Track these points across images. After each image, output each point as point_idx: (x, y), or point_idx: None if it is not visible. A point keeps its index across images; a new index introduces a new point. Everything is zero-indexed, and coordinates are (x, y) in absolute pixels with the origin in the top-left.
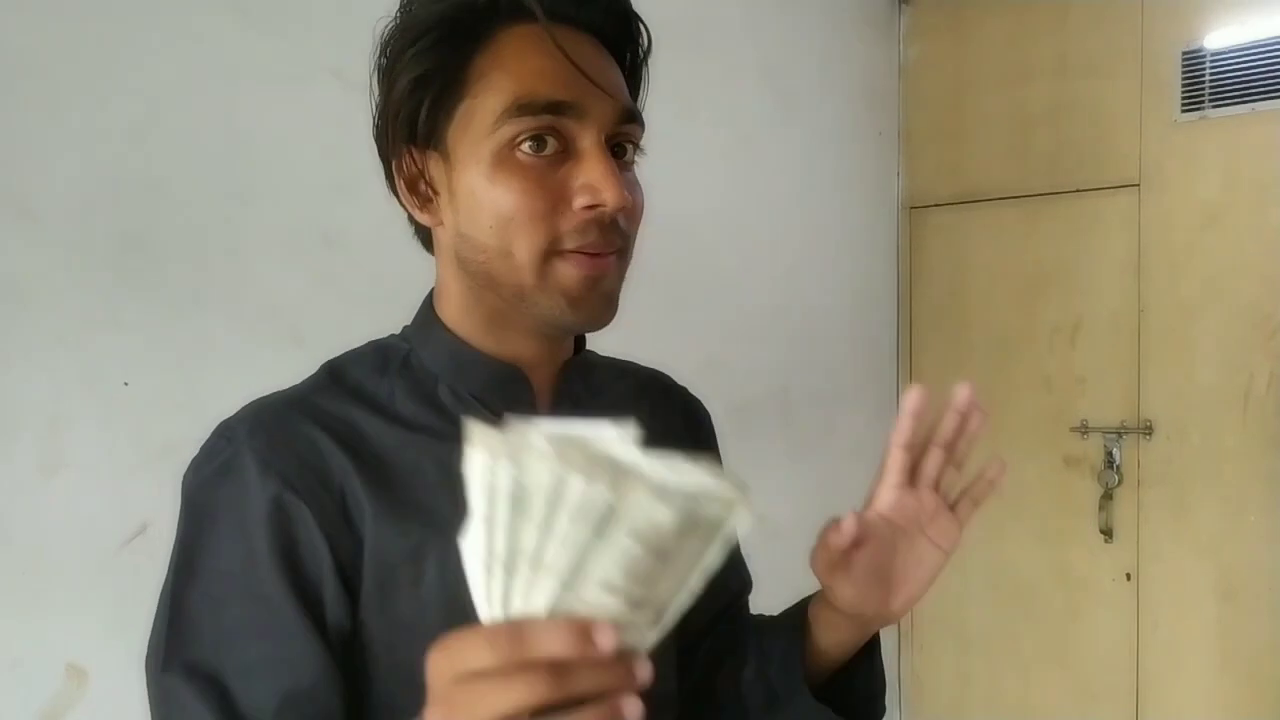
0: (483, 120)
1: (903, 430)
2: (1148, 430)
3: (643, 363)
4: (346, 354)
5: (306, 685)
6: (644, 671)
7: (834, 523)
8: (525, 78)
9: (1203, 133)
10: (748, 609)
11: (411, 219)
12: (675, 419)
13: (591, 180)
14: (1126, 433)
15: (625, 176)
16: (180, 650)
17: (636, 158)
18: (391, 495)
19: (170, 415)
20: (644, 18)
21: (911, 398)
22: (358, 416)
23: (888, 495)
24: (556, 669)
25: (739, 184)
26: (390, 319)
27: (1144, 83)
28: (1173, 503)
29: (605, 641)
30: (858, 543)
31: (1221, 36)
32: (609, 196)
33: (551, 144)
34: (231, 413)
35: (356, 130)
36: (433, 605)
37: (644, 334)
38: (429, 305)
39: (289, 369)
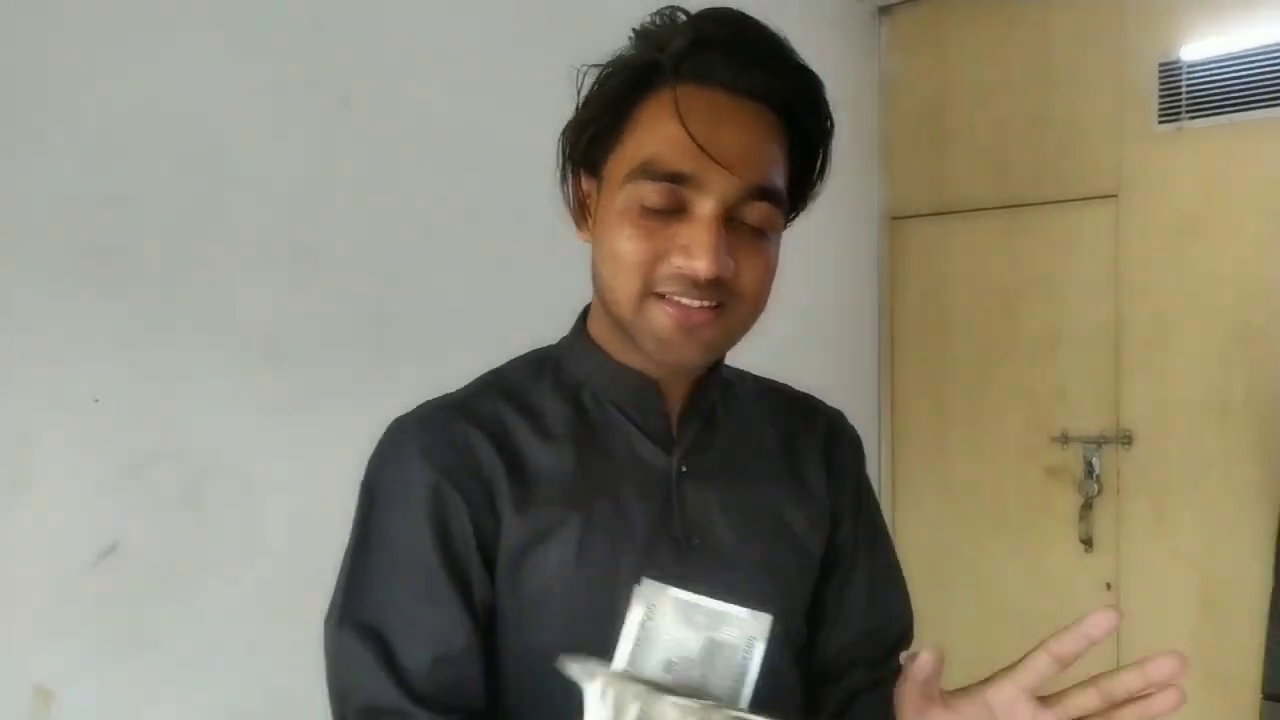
0: (623, 169)
1: (1066, 640)
2: (1127, 440)
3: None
4: (511, 361)
5: (456, 650)
6: None
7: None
8: (656, 143)
9: (1180, 144)
10: (897, 656)
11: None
12: (817, 437)
13: (689, 244)
14: (1106, 442)
15: (742, 244)
16: (354, 611)
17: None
18: (528, 488)
19: (140, 432)
20: (624, 22)
21: (1102, 620)
22: (509, 418)
23: (1005, 687)
24: None
25: None
26: (365, 331)
27: (1123, 94)
28: (1152, 512)
29: None
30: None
31: (1198, 49)
32: (700, 265)
33: (673, 207)
34: (208, 426)
35: (330, 142)
36: (555, 586)
37: None
38: (582, 318)
39: (261, 384)
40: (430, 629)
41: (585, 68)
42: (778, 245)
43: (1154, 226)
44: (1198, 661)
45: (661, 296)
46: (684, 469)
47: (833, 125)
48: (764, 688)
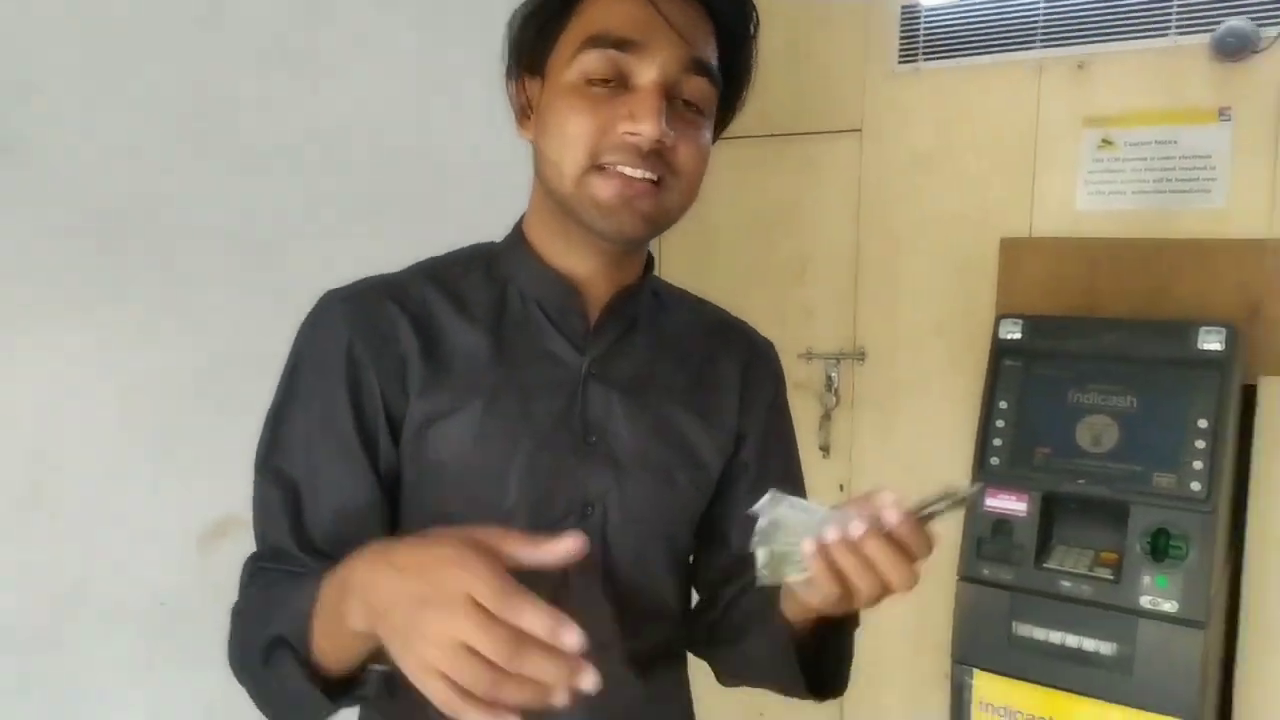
0: (566, 51)
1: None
2: (861, 356)
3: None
4: (452, 251)
5: (357, 506)
6: (589, 681)
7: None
8: (608, 15)
9: (916, 84)
10: None
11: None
12: (737, 361)
13: (633, 109)
14: (844, 358)
15: (680, 121)
16: (272, 460)
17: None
18: (441, 368)
19: None
20: None
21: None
22: (434, 301)
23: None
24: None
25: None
26: (81, 231)
27: (869, 34)
28: (881, 421)
29: (569, 640)
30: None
31: None
32: (645, 127)
33: (615, 81)
34: None
35: (34, 23)
36: (452, 462)
37: None
38: (520, 221)
39: None
40: (336, 485)
41: None
42: (710, 131)
43: (891, 161)
44: None
45: (603, 169)
46: (592, 371)
47: (758, 27)
48: (633, 577)
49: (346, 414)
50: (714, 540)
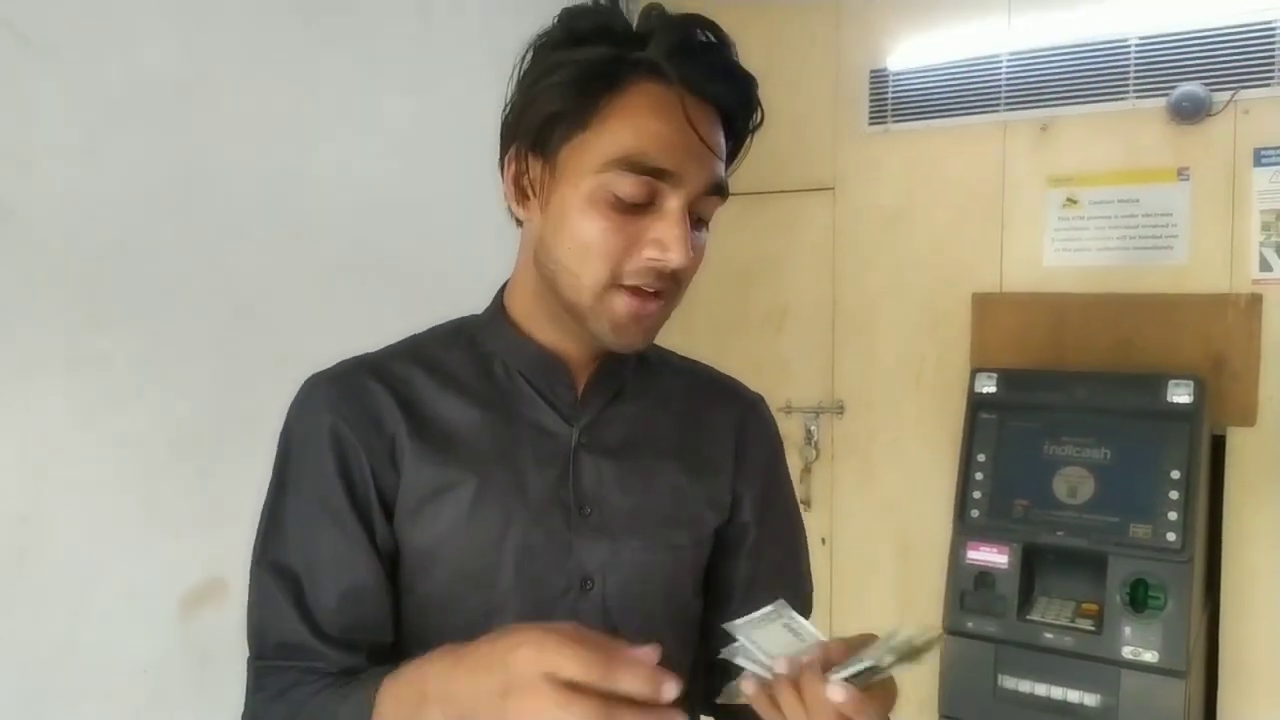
0: (593, 158)
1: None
2: (840, 409)
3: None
4: (432, 328)
5: (361, 585)
6: None
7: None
8: (642, 137)
9: (886, 144)
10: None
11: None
12: (731, 420)
13: (663, 238)
14: (823, 411)
15: (695, 236)
16: (269, 551)
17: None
18: (430, 446)
19: None
20: None
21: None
22: (419, 380)
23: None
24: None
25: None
26: (66, 292)
27: (839, 97)
28: (861, 472)
29: (668, 693)
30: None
31: (902, 59)
32: (674, 257)
33: (647, 197)
34: None
35: (19, 89)
36: (445, 540)
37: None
38: (501, 291)
39: None
40: (338, 567)
41: (529, 49)
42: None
43: (864, 218)
44: (894, 601)
45: (623, 288)
46: (583, 441)
47: (762, 123)
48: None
49: (340, 495)
50: (714, 602)
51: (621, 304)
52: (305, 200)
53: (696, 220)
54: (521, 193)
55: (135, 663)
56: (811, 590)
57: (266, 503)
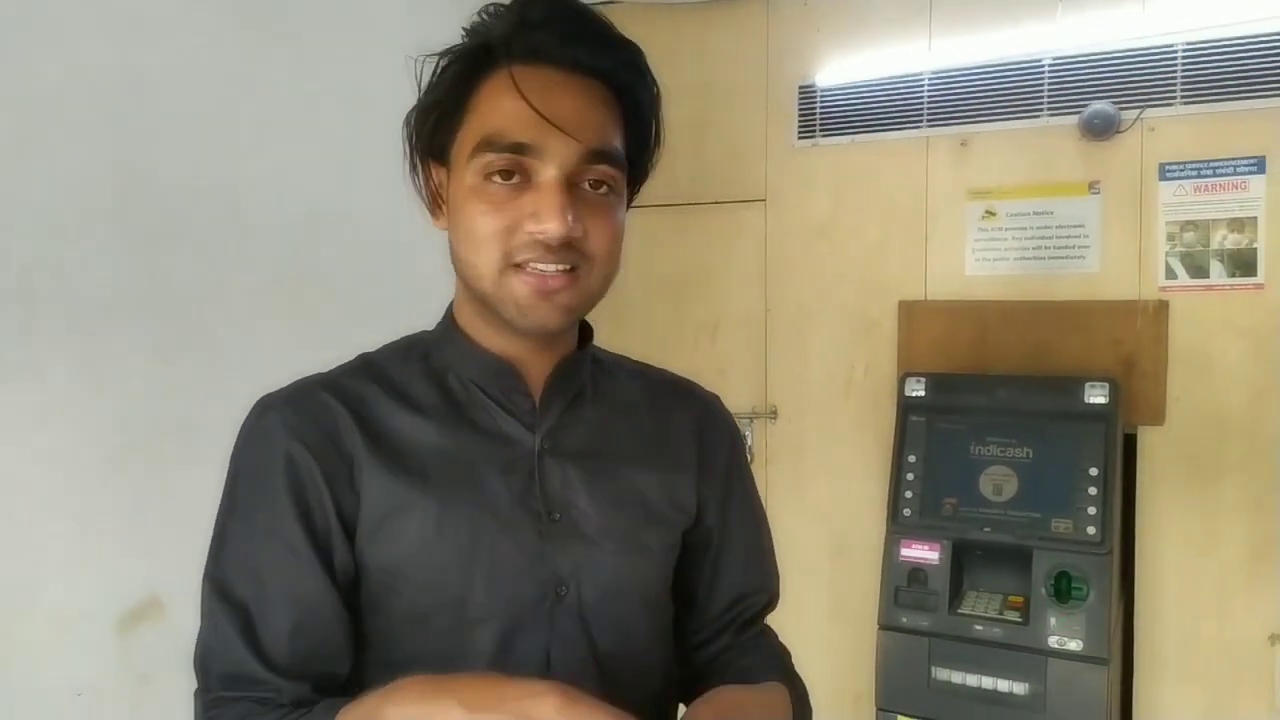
0: (467, 147)
1: None
2: (773, 415)
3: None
4: (385, 346)
5: (314, 615)
6: None
7: None
8: (495, 117)
9: (815, 158)
10: (760, 622)
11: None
12: (690, 420)
13: (538, 208)
14: (757, 417)
15: (588, 206)
16: (218, 569)
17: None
18: (389, 462)
19: None
20: None
21: None
22: (375, 397)
23: None
24: None
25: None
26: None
27: (769, 111)
28: (794, 477)
29: None
30: None
31: (829, 75)
32: (549, 227)
33: (517, 175)
34: None
35: None
36: (412, 558)
37: None
38: (450, 307)
39: None
40: (289, 599)
41: (421, 58)
42: (622, 208)
43: (794, 229)
44: (829, 601)
45: (519, 268)
46: (546, 446)
47: (659, 93)
48: (617, 651)
49: (294, 522)
50: (682, 606)
51: (518, 283)
52: (242, 208)
53: (597, 185)
54: (435, 204)
55: (70, 685)
56: (777, 588)
57: (216, 529)
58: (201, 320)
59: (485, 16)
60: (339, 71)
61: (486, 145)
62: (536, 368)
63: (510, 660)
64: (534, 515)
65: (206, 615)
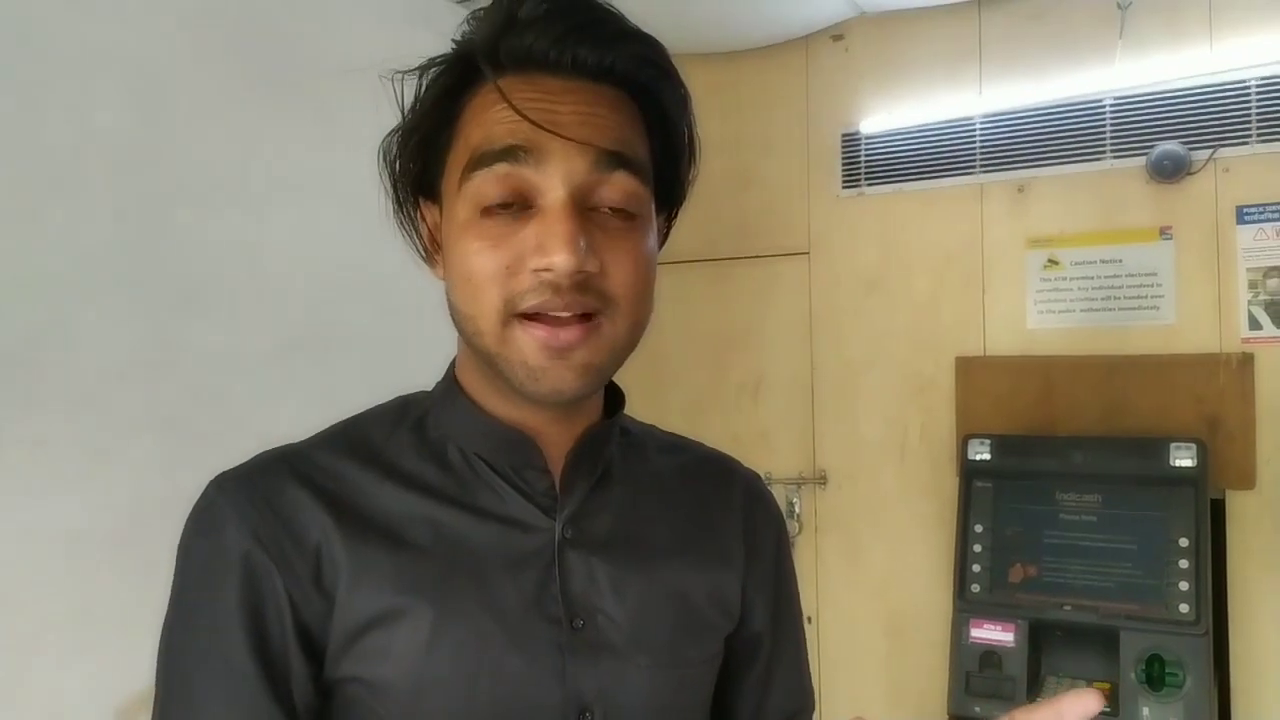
0: (454, 178)
1: (1037, 714)
2: (822, 480)
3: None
4: (372, 408)
5: None
6: None
7: None
8: (488, 127)
9: (860, 207)
10: None
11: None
12: (734, 504)
13: (541, 239)
14: (805, 483)
15: (606, 235)
16: (160, 702)
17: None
18: (371, 558)
19: None
20: (319, 32)
21: (1080, 703)
22: (352, 474)
23: None
24: None
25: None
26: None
27: (810, 161)
28: (846, 547)
29: None
30: None
31: (873, 123)
32: (558, 259)
33: (516, 204)
34: None
35: None
36: (401, 680)
37: None
38: (452, 365)
39: None
40: None
41: (396, 74)
42: (652, 237)
43: (840, 282)
44: (887, 685)
45: (526, 319)
46: (568, 535)
47: (687, 94)
48: None
49: (242, 642)
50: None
51: (525, 338)
52: (259, 269)
53: (614, 212)
54: (431, 249)
55: None
56: (814, 702)
57: (160, 638)
58: (216, 387)
59: (471, 22)
60: (354, 128)
61: (475, 163)
62: (556, 440)
63: None
64: (552, 623)
65: None
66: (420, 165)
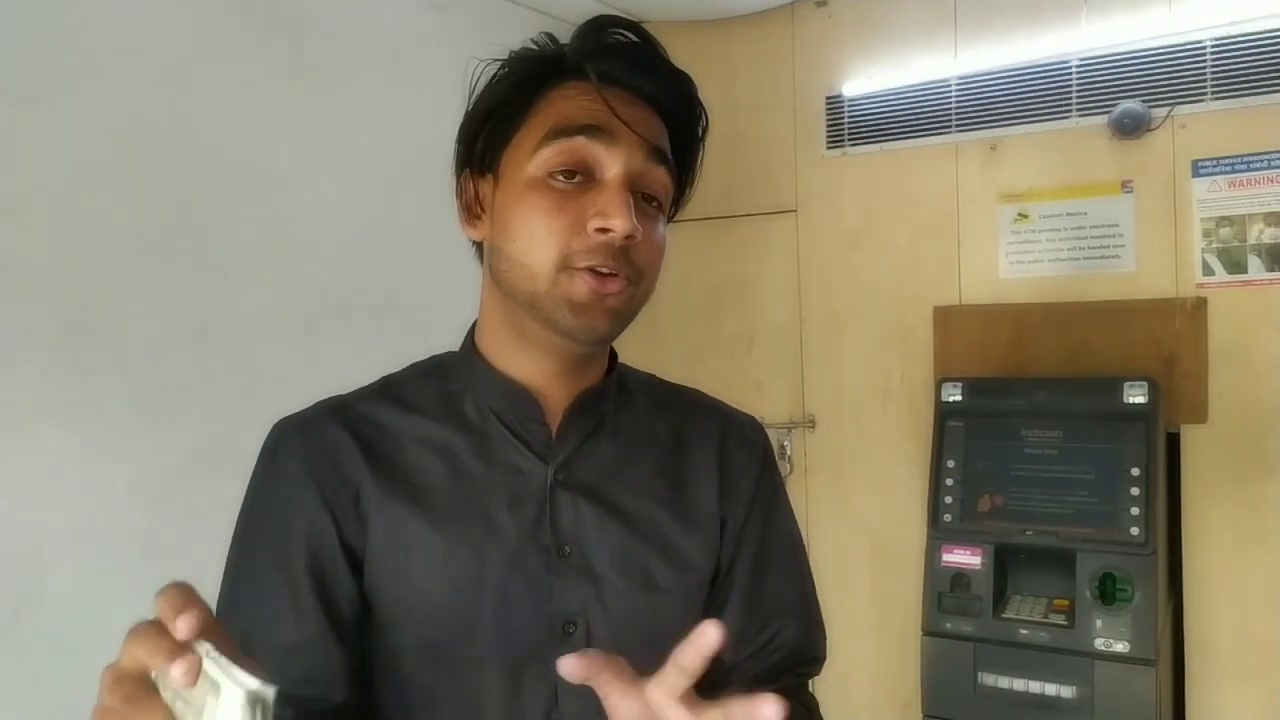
0: (527, 147)
1: (685, 653)
2: (811, 424)
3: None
4: (408, 366)
5: (303, 642)
6: None
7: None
8: (566, 109)
9: (844, 167)
10: (805, 687)
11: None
12: (706, 444)
13: (604, 206)
14: (795, 427)
15: (642, 216)
16: (223, 606)
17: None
18: (398, 491)
19: None
20: (343, 19)
21: (709, 633)
22: (388, 422)
23: (654, 691)
24: None
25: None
26: (64, 345)
27: (797, 122)
28: (834, 485)
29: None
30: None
31: (856, 85)
32: (618, 223)
33: (580, 176)
34: None
35: (14, 144)
36: (417, 592)
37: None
38: (472, 328)
39: None
40: (280, 623)
41: (481, 63)
42: (665, 224)
43: (826, 238)
44: (873, 609)
45: (574, 270)
46: (559, 478)
47: (708, 123)
48: None
49: (298, 553)
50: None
51: (578, 283)
52: (289, 241)
53: (649, 199)
54: (471, 214)
55: None
56: (819, 618)
57: (229, 553)
58: (252, 351)
59: (544, 39)
60: (375, 105)
61: (553, 134)
62: (557, 397)
63: (519, 697)
64: (544, 550)
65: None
66: (484, 141)
